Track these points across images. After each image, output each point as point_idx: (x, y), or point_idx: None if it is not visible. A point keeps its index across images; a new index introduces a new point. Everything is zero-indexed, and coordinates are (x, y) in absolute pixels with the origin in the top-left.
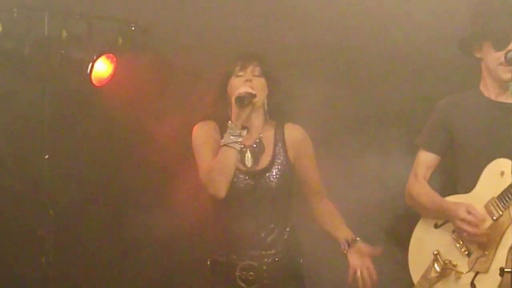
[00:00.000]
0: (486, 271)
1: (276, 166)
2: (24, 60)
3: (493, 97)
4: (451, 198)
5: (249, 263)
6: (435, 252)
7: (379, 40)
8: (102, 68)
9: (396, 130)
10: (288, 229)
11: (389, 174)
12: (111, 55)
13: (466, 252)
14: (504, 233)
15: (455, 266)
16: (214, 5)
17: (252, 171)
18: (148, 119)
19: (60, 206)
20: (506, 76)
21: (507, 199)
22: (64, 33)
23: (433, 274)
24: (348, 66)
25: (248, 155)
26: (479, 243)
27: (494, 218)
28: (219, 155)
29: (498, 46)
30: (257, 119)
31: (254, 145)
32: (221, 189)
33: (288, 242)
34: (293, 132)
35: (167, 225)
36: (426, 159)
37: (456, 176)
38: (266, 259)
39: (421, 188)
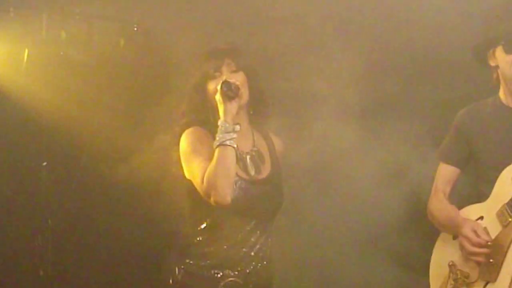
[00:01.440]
0: (494, 280)
1: (275, 178)
2: (21, 62)
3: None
4: (467, 208)
5: (235, 280)
6: (450, 263)
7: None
8: None
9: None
10: (269, 239)
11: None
12: None
13: (477, 263)
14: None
15: (466, 277)
16: (220, 7)
17: (252, 181)
18: (149, 123)
19: (58, 215)
20: None
21: None
22: (63, 34)
23: (449, 286)
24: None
25: (248, 161)
26: (485, 255)
27: (504, 225)
28: (217, 157)
29: (509, 49)
30: (244, 122)
31: (253, 152)
32: (226, 194)
33: (269, 257)
34: (280, 145)
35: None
36: (446, 173)
37: (477, 188)
38: (252, 276)
39: (438, 203)
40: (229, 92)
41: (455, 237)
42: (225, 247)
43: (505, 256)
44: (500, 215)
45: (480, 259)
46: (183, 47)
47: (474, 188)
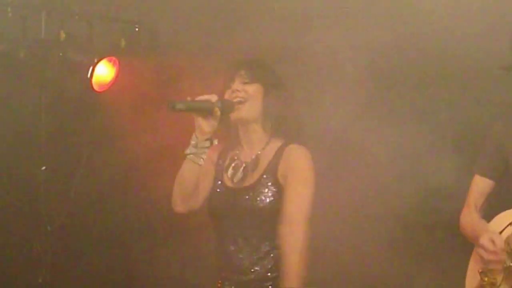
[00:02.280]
0: None
1: (262, 186)
2: (19, 63)
3: None
4: (499, 216)
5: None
6: (480, 270)
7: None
8: (103, 72)
9: None
10: (272, 254)
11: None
12: (113, 58)
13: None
14: None
15: (493, 283)
16: (224, 6)
17: (235, 188)
18: (153, 127)
19: (58, 221)
20: None
21: None
22: (63, 35)
23: None
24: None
25: (240, 172)
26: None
27: None
28: (181, 169)
29: None
30: (254, 134)
31: (250, 162)
32: (175, 203)
33: (272, 268)
34: (292, 154)
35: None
36: (479, 185)
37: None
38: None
39: (468, 215)
40: (171, 110)
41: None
42: (220, 250)
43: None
44: None
45: (499, 266)
46: (188, 47)
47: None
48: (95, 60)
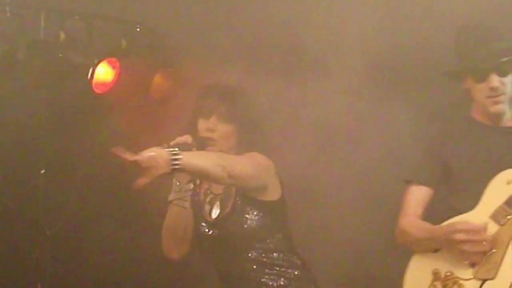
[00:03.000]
0: (494, 276)
1: (240, 210)
2: (18, 64)
3: (485, 121)
4: (455, 219)
5: None
6: (435, 271)
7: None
8: (104, 73)
9: None
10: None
11: None
12: (113, 59)
13: (470, 264)
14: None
15: (457, 277)
16: (227, 6)
17: (217, 223)
18: (154, 130)
19: (57, 226)
20: (493, 109)
21: None
22: (62, 35)
23: None
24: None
25: (217, 205)
26: (483, 252)
27: (502, 223)
28: (167, 215)
29: (479, 79)
30: None
31: (223, 194)
32: (169, 250)
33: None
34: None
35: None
36: (419, 193)
37: (449, 204)
38: None
39: (410, 220)
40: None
41: (436, 250)
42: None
43: (505, 252)
44: (496, 215)
45: (486, 248)
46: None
47: (443, 205)
48: (95, 62)
